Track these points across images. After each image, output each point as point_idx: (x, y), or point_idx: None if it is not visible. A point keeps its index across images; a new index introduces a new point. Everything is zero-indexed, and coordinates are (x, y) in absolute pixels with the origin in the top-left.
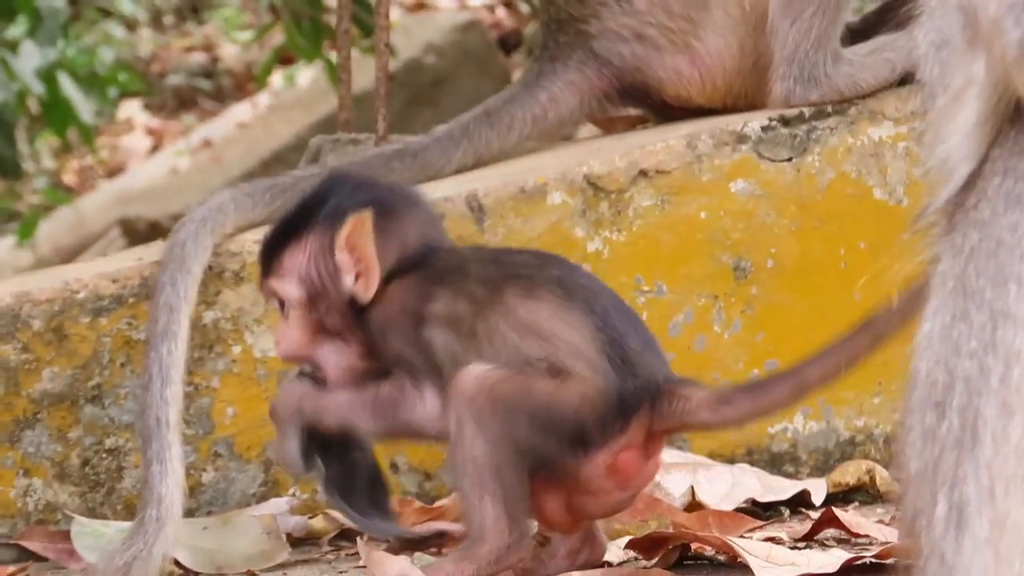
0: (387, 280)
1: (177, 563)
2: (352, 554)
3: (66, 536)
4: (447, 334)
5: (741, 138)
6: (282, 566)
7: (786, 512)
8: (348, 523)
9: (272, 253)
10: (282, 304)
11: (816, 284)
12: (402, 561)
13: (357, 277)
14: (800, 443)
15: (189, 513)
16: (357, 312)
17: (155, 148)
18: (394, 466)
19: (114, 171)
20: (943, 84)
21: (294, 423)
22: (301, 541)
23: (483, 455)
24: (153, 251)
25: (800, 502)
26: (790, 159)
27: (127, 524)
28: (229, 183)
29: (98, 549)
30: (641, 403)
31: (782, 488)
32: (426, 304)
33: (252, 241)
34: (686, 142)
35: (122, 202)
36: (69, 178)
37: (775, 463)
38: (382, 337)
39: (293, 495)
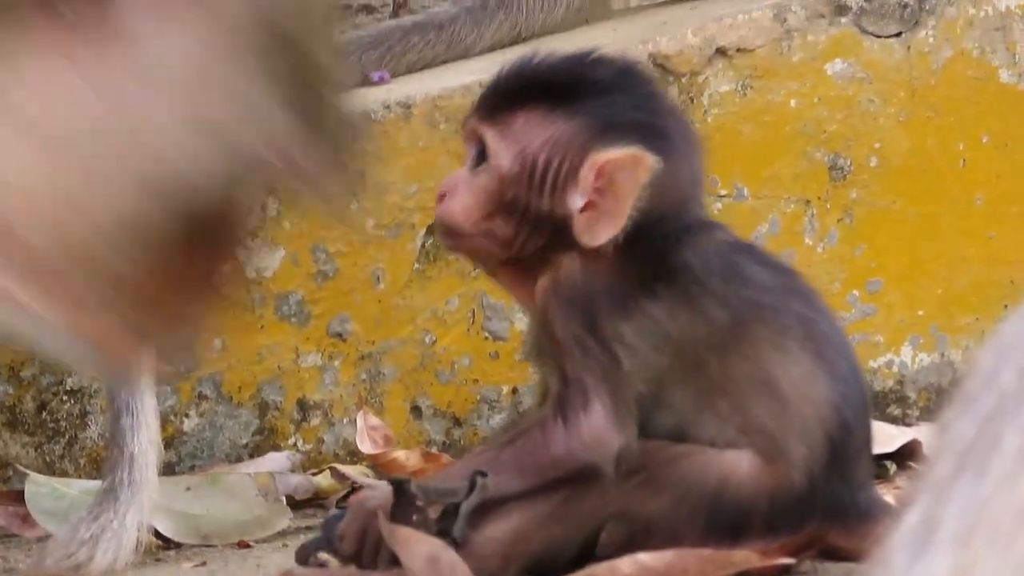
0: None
1: (156, 533)
2: None
3: (19, 497)
4: (652, 347)
5: (840, 9)
6: (282, 535)
7: (892, 468)
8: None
9: (510, 98)
10: (480, 155)
11: (929, 186)
12: (433, 541)
13: (586, 208)
14: (908, 380)
15: (168, 469)
16: (548, 238)
17: None
18: (416, 409)
19: None
20: None
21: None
22: (304, 503)
23: None
24: None
25: (910, 455)
26: (899, 34)
27: (92, 484)
28: None
29: (58, 514)
30: (830, 515)
31: (887, 438)
32: (642, 297)
33: None
34: (773, 14)
35: None
36: None
37: (878, 405)
38: (561, 303)
39: (295, 448)
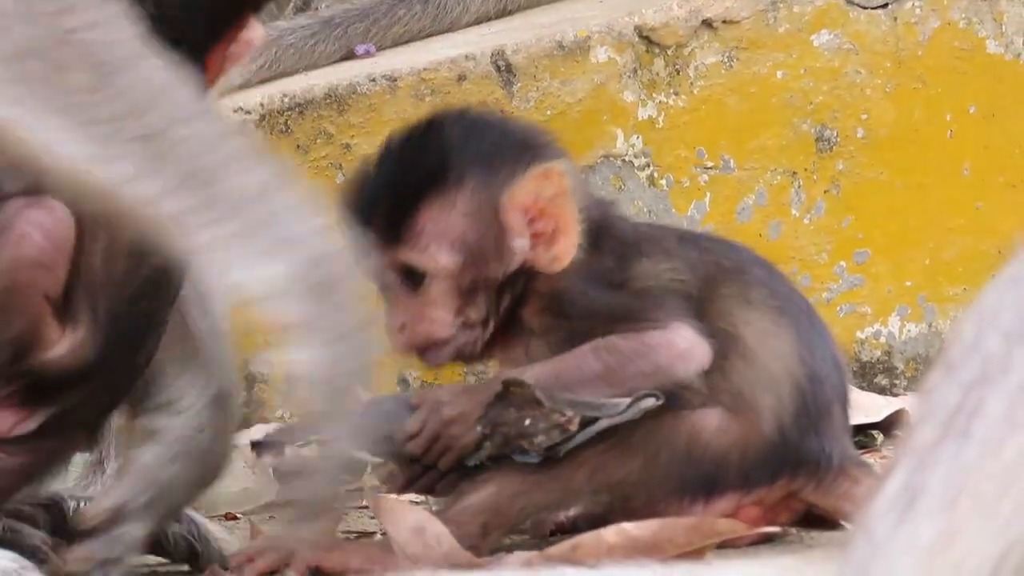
0: None
1: None
2: (352, 491)
3: None
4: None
5: None
6: (268, 507)
7: (879, 438)
8: None
9: (396, 216)
10: (408, 277)
11: (916, 157)
12: (418, 512)
13: (536, 243)
14: (896, 350)
15: None
16: (517, 289)
17: None
18: (404, 381)
19: None
20: None
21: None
22: (291, 476)
23: None
24: None
25: (897, 425)
26: (885, 5)
27: (80, 457)
28: None
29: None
30: (803, 467)
31: (874, 408)
32: (626, 272)
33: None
34: None
35: None
36: None
37: (865, 375)
38: (569, 305)
39: (283, 420)
